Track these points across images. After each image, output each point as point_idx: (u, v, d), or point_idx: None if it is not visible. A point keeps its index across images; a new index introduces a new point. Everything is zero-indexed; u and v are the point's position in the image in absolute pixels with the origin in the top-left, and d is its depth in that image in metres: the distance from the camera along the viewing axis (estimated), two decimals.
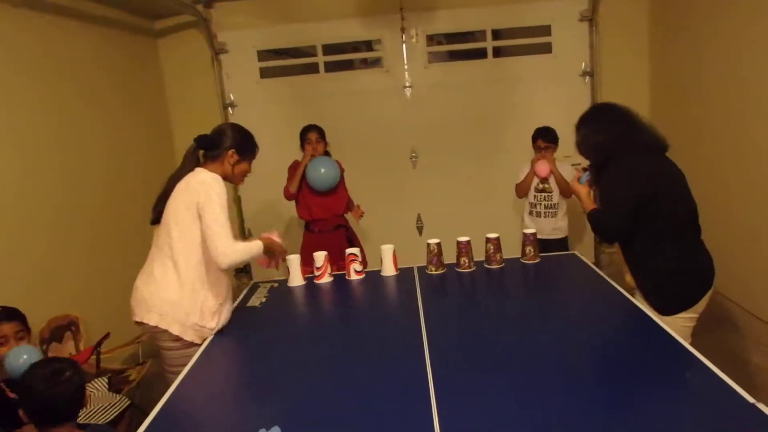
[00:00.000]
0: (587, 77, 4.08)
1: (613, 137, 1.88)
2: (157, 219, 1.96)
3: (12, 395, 1.88)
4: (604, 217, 1.91)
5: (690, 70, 3.46)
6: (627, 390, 1.33)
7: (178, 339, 1.88)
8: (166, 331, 1.87)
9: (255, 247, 1.98)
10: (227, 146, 1.95)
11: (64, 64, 2.99)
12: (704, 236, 1.94)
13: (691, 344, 1.74)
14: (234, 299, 2.18)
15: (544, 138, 3.16)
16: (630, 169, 1.84)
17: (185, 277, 1.87)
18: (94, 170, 3.16)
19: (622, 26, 3.99)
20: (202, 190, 1.85)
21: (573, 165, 3.08)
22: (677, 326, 1.77)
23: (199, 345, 1.89)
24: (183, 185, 1.91)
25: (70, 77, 3.03)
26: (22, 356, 1.89)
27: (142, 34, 3.98)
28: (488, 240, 2.42)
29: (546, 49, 4.07)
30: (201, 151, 2.01)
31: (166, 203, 1.93)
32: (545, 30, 4.04)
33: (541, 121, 3.24)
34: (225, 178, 1.97)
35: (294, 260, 2.42)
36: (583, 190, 2.08)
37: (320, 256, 2.47)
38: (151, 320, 1.87)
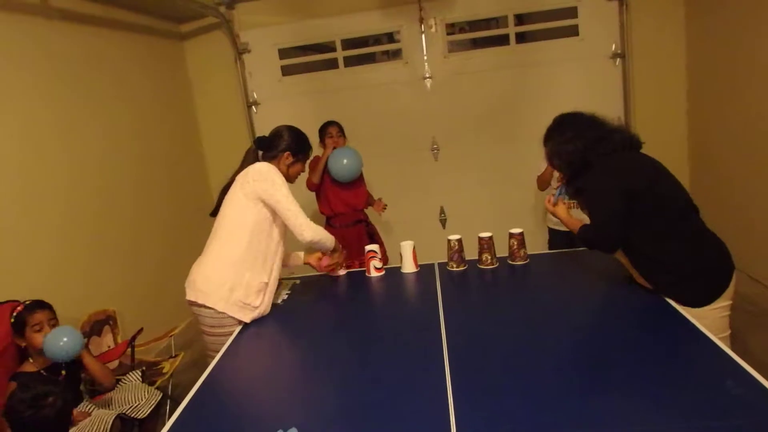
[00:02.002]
0: (618, 59, 3.92)
1: (584, 143, 1.82)
2: (216, 210, 2.11)
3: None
4: (595, 227, 1.82)
5: (730, 48, 3.27)
6: (658, 395, 1.25)
7: (216, 326, 1.97)
8: (211, 311, 1.95)
9: (330, 236, 2.18)
10: (283, 148, 2.11)
11: (97, 71, 3.11)
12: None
13: (734, 344, 1.66)
14: None
15: None
16: (611, 168, 1.78)
17: (234, 257, 1.98)
18: (128, 171, 3.29)
19: (655, 3, 3.80)
20: (262, 179, 1.99)
21: None
22: (715, 317, 1.69)
23: (238, 327, 1.98)
24: (242, 175, 2.05)
25: (103, 83, 3.15)
26: (62, 339, 1.92)
27: (169, 38, 4.07)
28: (512, 236, 2.36)
29: (572, 31, 3.93)
30: (260, 152, 2.16)
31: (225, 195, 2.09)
32: (571, 12, 3.90)
33: (568, 108, 3.08)
34: None
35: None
36: (562, 211, 2.04)
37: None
38: (198, 298, 1.98)
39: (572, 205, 2.11)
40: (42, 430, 1.63)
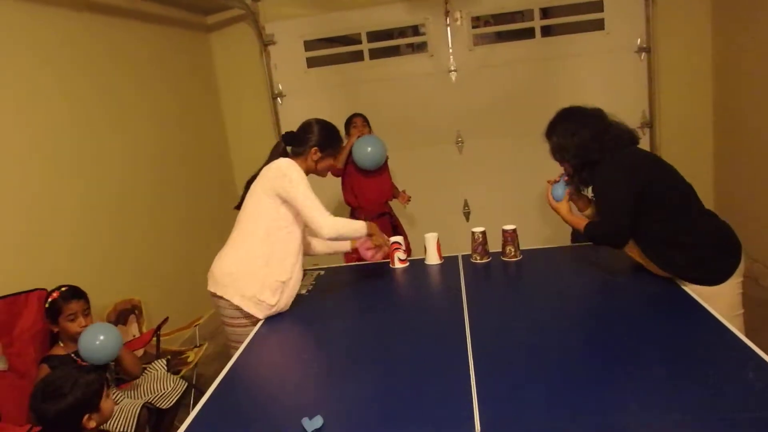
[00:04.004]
0: (643, 54, 3.88)
1: (589, 135, 1.85)
2: (240, 203, 2.11)
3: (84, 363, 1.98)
4: (606, 223, 1.85)
5: (758, 41, 3.21)
6: (679, 387, 1.26)
7: (236, 317, 2.00)
8: (228, 303, 1.99)
9: (358, 223, 2.09)
10: (311, 144, 2.05)
11: (122, 63, 3.15)
12: None
13: (755, 338, 1.66)
14: None
15: None
16: (623, 163, 1.81)
17: (250, 252, 1.99)
18: (152, 161, 3.32)
19: None
20: (280, 176, 1.96)
21: None
22: (732, 294, 1.74)
23: (257, 323, 1.99)
24: (263, 172, 2.04)
25: (128, 74, 3.19)
26: (98, 337, 1.93)
27: (195, 30, 4.12)
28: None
29: (598, 25, 3.89)
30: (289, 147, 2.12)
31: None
32: (597, 5, 3.86)
33: (593, 102, 3.05)
34: (309, 172, 2.08)
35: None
36: (563, 209, 2.03)
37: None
38: (217, 290, 2.01)
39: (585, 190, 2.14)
40: (53, 422, 1.59)
